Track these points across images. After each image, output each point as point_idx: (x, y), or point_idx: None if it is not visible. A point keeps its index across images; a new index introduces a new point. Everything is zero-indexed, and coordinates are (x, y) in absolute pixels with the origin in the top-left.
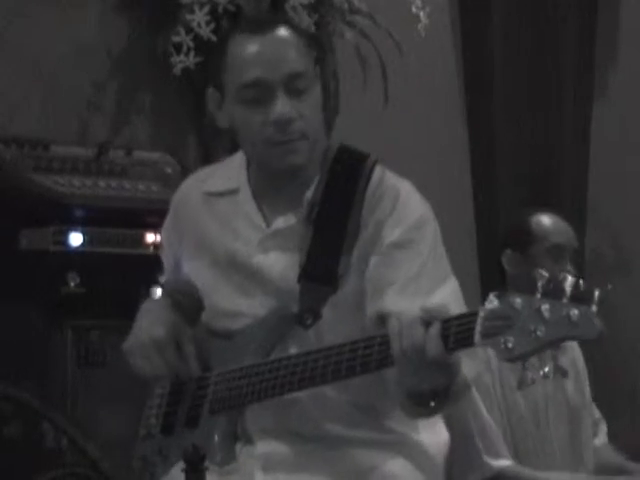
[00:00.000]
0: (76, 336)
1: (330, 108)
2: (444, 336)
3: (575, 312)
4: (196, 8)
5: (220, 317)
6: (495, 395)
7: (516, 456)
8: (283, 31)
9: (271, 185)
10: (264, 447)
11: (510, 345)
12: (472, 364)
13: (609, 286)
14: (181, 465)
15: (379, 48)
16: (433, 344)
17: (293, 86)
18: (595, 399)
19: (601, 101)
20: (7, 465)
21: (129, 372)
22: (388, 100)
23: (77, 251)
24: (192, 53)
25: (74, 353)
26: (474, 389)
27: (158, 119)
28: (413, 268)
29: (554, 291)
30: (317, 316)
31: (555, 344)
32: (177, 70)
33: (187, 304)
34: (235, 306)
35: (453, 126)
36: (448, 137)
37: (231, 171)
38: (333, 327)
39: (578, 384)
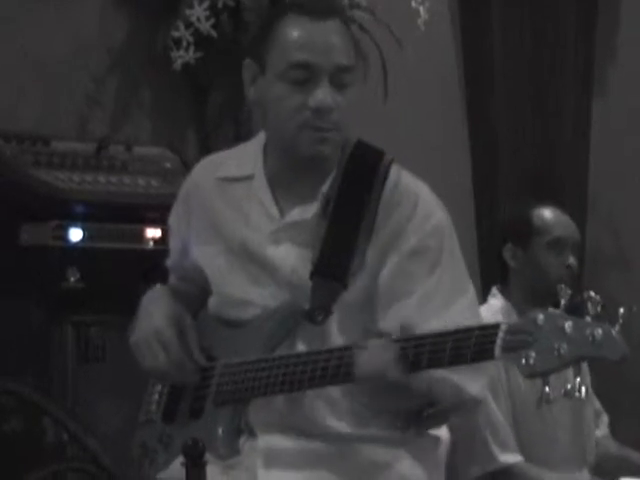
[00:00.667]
0: (76, 331)
1: None
2: (404, 355)
3: (599, 332)
4: (195, 3)
5: (230, 305)
6: (501, 386)
7: (520, 447)
8: (338, 21)
9: (287, 174)
10: (267, 442)
11: (532, 361)
12: (480, 381)
13: (634, 308)
14: (181, 459)
15: (379, 43)
16: (392, 367)
17: (338, 78)
18: (599, 394)
19: (601, 96)
20: (8, 460)
21: (129, 367)
22: (388, 95)
23: (77, 246)
24: (192, 48)
25: (74, 348)
26: None
27: (158, 114)
28: (430, 281)
29: (577, 308)
30: (328, 313)
31: (577, 363)
32: (177, 65)
33: (190, 292)
34: (246, 295)
35: (453, 121)
36: (448, 132)
37: (246, 157)
38: (341, 324)
39: (580, 376)
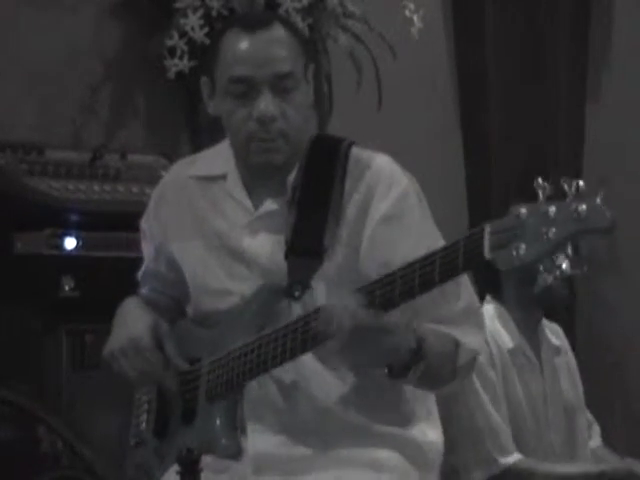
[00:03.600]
0: (71, 340)
1: (324, 111)
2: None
3: (583, 207)
4: (190, 12)
5: (209, 297)
6: (499, 390)
7: (515, 442)
8: (275, 30)
9: (256, 173)
10: (256, 447)
11: (522, 252)
12: (478, 335)
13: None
14: (176, 468)
15: (373, 51)
16: (358, 312)
17: (280, 85)
18: (589, 399)
19: (594, 102)
20: (2, 468)
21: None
22: (382, 103)
23: (72, 255)
24: (186, 57)
25: (69, 357)
26: (481, 388)
27: (152, 123)
28: (407, 244)
29: (556, 195)
30: (306, 287)
31: (568, 241)
32: (171, 74)
33: (162, 304)
34: (223, 286)
35: (447, 129)
36: (442, 140)
37: (218, 157)
38: (322, 299)
39: (573, 385)
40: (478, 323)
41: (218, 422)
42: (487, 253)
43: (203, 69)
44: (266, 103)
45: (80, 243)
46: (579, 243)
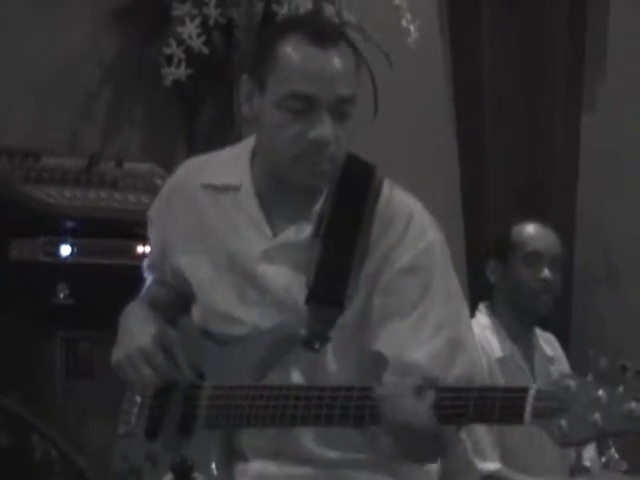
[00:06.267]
0: (65, 347)
1: None
2: (439, 407)
3: (634, 405)
4: (187, 20)
5: (217, 320)
6: None
7: (506, 456)
8: (343, 49)
9: (276, 190)
10: (258, 467)
11: (565, 430)
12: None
13: None
14: (169, 477)
15: (369, 61)
16: (425, 417)
17: (340, 109)
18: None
19: (590, 112)
20: None
21: (118, 383)
22: (378, 112)
23: (67, 262)
24: (183, 65)
25: (63, 364)
26: None
27: (149, 130)
28: (423, 302)
29: (610, 376)
30: (325, 340)
31: (613, 436)
32: (168, 82)
33: (168, 299)
34: (233, 311)
35: (443, 138)
36: (438, 150)
37: (233, 165)
38: (336, 348)
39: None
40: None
41: (214, 450)
42: (527, 419)
43: (247, 67)
44: (325, 127)
45: (75, 250)
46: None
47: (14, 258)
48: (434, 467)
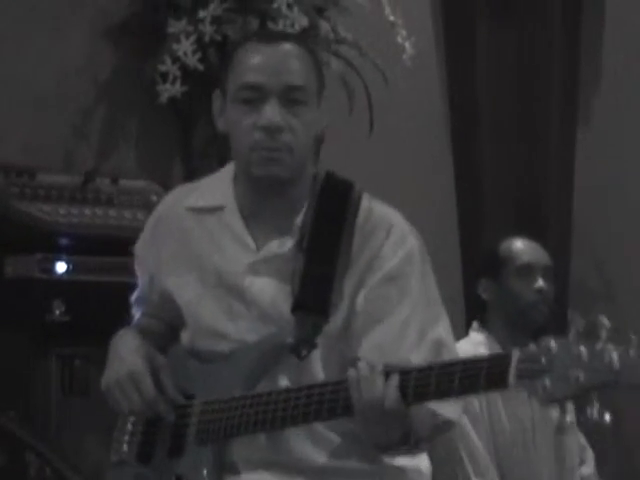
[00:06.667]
0: (60, 364)
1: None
2: (404, 386)
3: (615, 357)
4: (182, 37)
5: (205, 337)
6: (483, 420)
7: (502, 475)
8: (291, 45)
9: (258, 204)
10: (250, 478)
11: (548, 389)
12: (455, 405)
13: None
14: None
15: (365, 78)
16: (392, 397)
17: (290, 97)
18: (580, 427)
19: (585, 126)
20: None
21: None
22: (374, 129)
23: (62, 279)
24: (178, 82)
25: (58, 381)
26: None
27: (144, 147)
28: (404, 308)
29: (589, 334)
30: (312, 347)
31: (596, 389)
32: (163, 99)
33: (157, 330)
34: (221, 327)
35: (439, 155)
36: (434, 166)
37: (216, 186)
38: (322, 356)
39: (562, 407)
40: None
41: (205, 467)
42: (512, 381)
43: (217, 84)
44: (273, 112)
45: (71, 267)
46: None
47: (9, 275)
48: (427, 469)
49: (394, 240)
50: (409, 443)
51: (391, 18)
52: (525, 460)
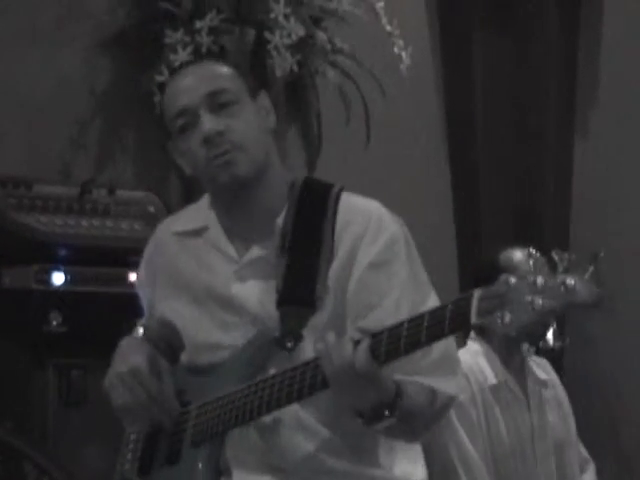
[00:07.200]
0: (58, 375)
1: (313, 147)
2: (374, 349)
3: (571, 281)
4: (179, 48)
5: (201, 351)
6: (480, 430)
7: None
8: (204, 63)
9: (237, 216)
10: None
11: (507, 319)
12: (453, 381)
13: (601, 253)
14: None
15: (362, 88)
16: (362, 359)
17: (215, 102)
18: (579, 438)
19: (582, 138)
20: None
21: (110, 411)
22: (370, 139)
23: (59, 290)
24: None
25: (55, 392)
26: (457, 421)
27: (141, 158)
28: (393, 292)
29: (546, 266)
30: (298, 338)
31: (554, 313)
32: (160, 110)
33: (161, 347)
34: (215, 339)
35: (435, 165)
36: (430, 175)
37: (198, 211)
38: (311, 349)
39: (562, 419)
40: (452, 369)
41: (201, 467)
42: (473, 318)
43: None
44: (206, 122)
45: (68, 278)
46: (564, 315)
47: (6, 286)
48: (423, 477)
49: (374, 228)
50: (394, 414)
51: (388, 28)
52: (525, 473)
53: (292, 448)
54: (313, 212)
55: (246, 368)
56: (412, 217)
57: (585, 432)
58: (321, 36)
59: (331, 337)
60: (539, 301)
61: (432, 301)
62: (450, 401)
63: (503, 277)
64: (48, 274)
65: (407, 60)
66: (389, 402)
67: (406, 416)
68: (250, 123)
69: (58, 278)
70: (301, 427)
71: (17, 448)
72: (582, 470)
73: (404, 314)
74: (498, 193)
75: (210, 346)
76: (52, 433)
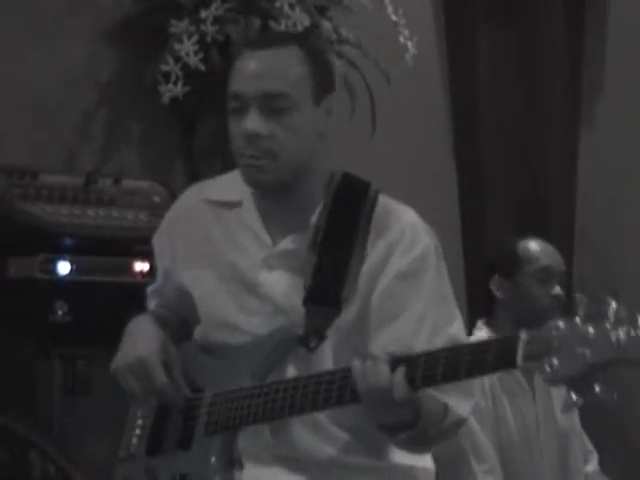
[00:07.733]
0: (63, 364)
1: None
2: (410, 376)
3: (621, 335)
4: (184, 38)
5: (217, 329)
6: (488, 419)
7: (507, 478)
8: (279, 49)
9: (272, 202)
10: (254, 473)
11: (555, 368)
12: (468, 403)
13: None
14: None
15: (367, 77)
16: (400, 385)
17: (269, 105)
18: (585, 430)
19: (588, 130)
20: None
21: (116, 400)
22: (376, 129)
23: (65, 280)
24: (180, 82)
25: (61, 382)
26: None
27: (146, 148)
28: (419, 306)
29: (596, 315)
30: (322, 338)
31: (603, 367)
32: (165, 99)
33: (171, 322)
34: (234, 320)
35: (441, 155)
36: (436, 166)
37: (233, 183)
38: (333, 349)
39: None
40: (470, 391)
41: (214, 457)
42: (519, 361)
43: (219, 84)
44: (252, 120)
45: (73, 268)
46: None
47: (11, 276)
48: (430, 466)
49: (409, 238)
50: (416, 427)
51: (393, 18)
52: (530, 461)
53: (304, 445)
54: (349, 211)
55: (264, 360)
56: (417, 206)
57: (591, 425)
58: (326, 25)
59: (368, 359)
60: (588, 353)
61: (456, 318)
62: (460, 422)
63: (551, 322)
64: (53, 264)
65: (413, 50)
66: (410, 420)
67: (421, 431)
68: (299, 132)
69: (63, 268)
70: (313, 425)
71: (23, 437)
72: (586, 461)
73: (427, 327)
74: (503, 183)
75: (228, 325)
76: (57, 422)
